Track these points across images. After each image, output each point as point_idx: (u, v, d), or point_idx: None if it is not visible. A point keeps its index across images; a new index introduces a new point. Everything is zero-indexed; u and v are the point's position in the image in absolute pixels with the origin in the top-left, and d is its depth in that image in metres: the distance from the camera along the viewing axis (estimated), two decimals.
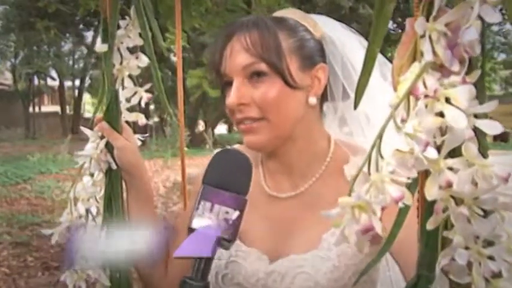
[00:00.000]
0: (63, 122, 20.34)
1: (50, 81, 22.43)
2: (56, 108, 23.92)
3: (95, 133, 0.93)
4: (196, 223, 0.68)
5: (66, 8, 10.50)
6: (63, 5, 10.39)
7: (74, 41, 18.44)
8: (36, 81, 21.33)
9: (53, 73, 20.73)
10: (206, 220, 0.68)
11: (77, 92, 22.44)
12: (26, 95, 20.67)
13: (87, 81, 22.00)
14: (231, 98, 0.82)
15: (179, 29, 1.00)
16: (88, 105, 25.31)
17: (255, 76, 0.82)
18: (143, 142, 1.01)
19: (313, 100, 0.85)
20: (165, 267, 0.98)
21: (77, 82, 22.32)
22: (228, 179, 0.71)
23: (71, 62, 21.68)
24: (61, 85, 22.16)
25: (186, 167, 1.05)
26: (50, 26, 12.50)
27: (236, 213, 0.68)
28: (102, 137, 0.92)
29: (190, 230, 0.68)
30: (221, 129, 18.77)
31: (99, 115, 0.92)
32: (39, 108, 23.61)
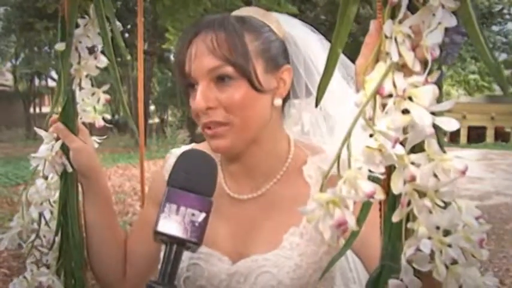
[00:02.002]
0: None
1: (50, 82, 22.46)
2: None
3: (49, 134, 0.90)
4: (162, 225, 0.67)
5: None
6: None
7: None
8: (36, 82, 21.39)
9: (54, 74, 20.77)
10: (172, 222, 0.67)
11: None
12: (27, 95, 20.76)
13: None
14: (198, 102, 0.81)
15: (141, 33, 0.98)
16: None
17: (221, 80, 0.81)
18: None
19: (278, 101, 0.86)
20: (123, 268, 0.97)
21: None
22: (194, 181, 0.70)
23: None
24: None
25: None
26: (49, 27, 12.52)
27: (202, 215, 0.68)
28: (57, 139, 0.89)
29: (156, 233, 0.67)
30: None
31: (55, 116, 0.90)
32: (40, 109, 23.64)
